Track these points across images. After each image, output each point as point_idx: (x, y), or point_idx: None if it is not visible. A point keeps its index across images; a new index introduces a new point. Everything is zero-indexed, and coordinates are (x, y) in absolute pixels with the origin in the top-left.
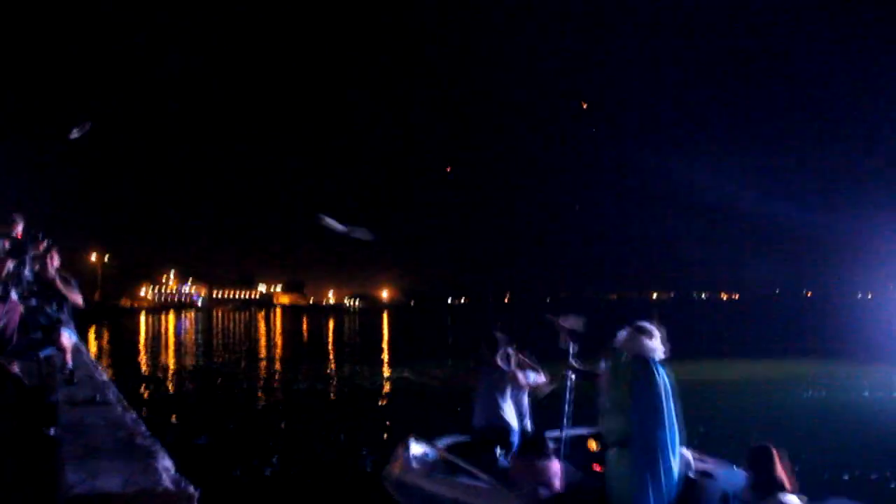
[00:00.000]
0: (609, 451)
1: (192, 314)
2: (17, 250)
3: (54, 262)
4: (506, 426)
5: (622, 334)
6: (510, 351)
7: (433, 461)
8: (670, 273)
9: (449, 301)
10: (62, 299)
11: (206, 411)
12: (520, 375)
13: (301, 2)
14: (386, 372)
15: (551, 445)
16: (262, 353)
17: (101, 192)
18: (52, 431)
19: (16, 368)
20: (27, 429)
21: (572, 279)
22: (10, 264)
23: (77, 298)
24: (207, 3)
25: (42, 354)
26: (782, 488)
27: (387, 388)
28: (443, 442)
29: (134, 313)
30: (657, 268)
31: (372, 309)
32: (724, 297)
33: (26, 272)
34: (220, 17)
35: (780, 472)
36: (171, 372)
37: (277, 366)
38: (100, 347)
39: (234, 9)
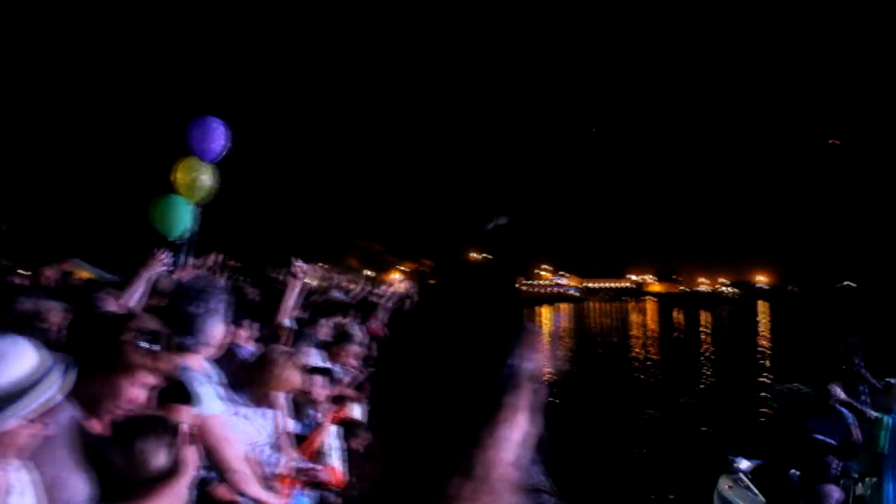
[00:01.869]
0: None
1: (566, 306)
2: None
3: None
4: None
5: None
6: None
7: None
8: None
9: (837, 286)
10: None
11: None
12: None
13: None
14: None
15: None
16: (637, 351)
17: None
18: None
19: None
20: None
21: None
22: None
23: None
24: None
25: None
26: None
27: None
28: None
29: None
30: None
31: (748, 296)
32: None
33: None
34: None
35: None
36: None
37: (653, 371)
38: None
39: None
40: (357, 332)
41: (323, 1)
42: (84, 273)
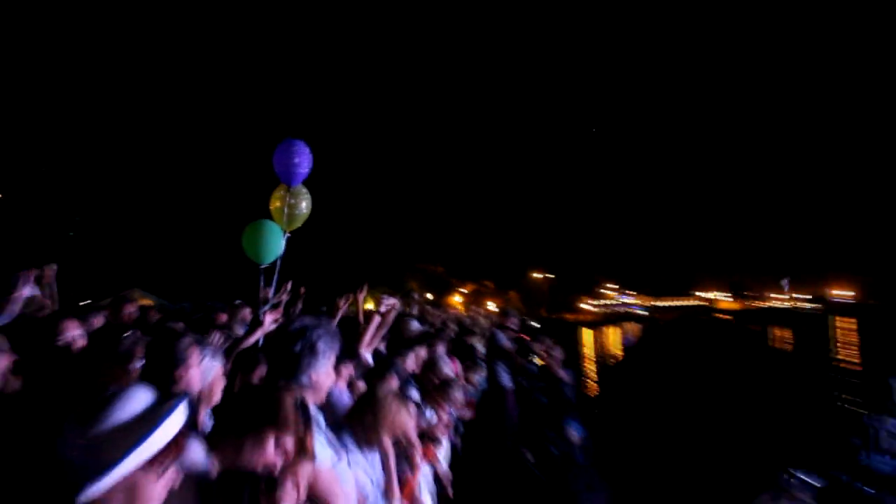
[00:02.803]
0: None
1: (633, 325)
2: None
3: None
4: None
5: None
6: None
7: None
8: None
9: None
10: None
11: None
12: None
13: None
14: None
15: None
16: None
17: (542, 207)
18: None
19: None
20: None
21: None
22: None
23: None
24: None
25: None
26: None
27: None
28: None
29: (575, 328)
30: None
31: (828, 311)
32: None
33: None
34: None
35: None
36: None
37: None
38: None
39: None
40: (447, 366)
41: (371, 39)
42: (146, 301)
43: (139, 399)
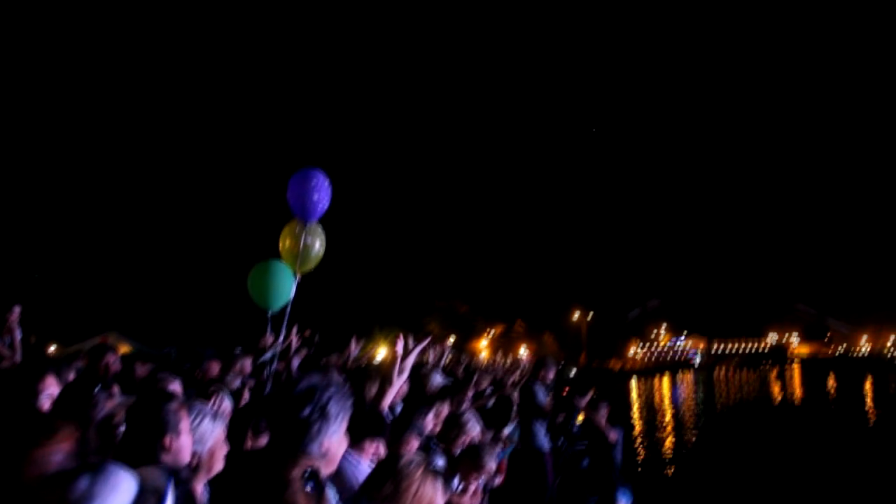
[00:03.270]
0: None
1: (690, 375)
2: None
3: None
4: None
5: None
6: None
7: None
8: None
9: None
10: None
11: None
12: None
13: None
14: None
15: None
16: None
17: (579, 244)
18: None
19: None
20: None
21: None
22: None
23: None
24: None
25: None
26: None
27: None
28: None
29: (624, 377)
30: None
31: None
32: None
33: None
34: None
35: None
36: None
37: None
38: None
39: None
40: (475, 426)
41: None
42: (124, 347)
43: (119, 490)
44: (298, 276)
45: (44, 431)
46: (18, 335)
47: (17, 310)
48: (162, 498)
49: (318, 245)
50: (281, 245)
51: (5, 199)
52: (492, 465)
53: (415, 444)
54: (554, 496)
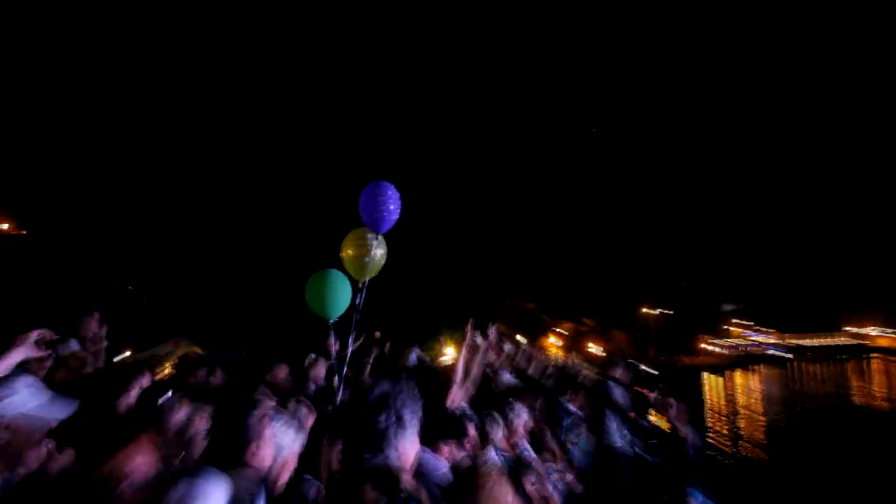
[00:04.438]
0: None
1: (764, 370)
2: None
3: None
4: None
5: None
6: None
7: None
8: None
9: None
10: None
11: None
12: None
13: None
14: None
15: None
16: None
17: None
18: None
19: None
20: None
21: None
22: None
23: None
24: None
25: None
26: None
27: None
28: None
29: (694, 372)
30: None
31: None
32: None
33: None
34: None
35: None
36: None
37: None
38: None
39: None
40: (523, 415)
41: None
42: (196, 350)
43: (216, 494)
44: (363, 284)
45: (122, 438)
46: (104, 342)
47: (97, 316)
48: (254, 502)
49: (379, 253)
50: (343, 253)
51: (82, 207)
52: (564, 467)
53: (490, 451)
54: (625, 495)
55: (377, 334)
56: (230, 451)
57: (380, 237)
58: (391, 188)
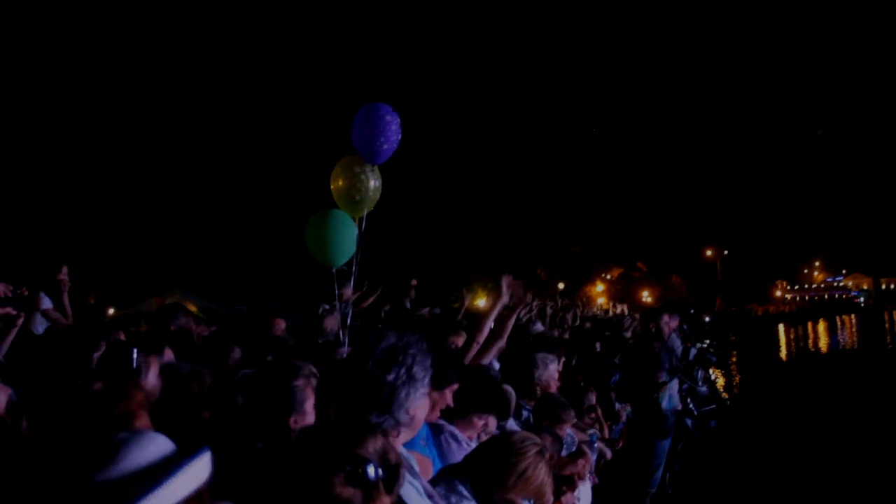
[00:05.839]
0: None
1: (853, 319)
2: None
3: None
4: None
5: None
6: None
7: None
8: None
9: None
10: None
11: None
12: None
13: None
14: None
15: None
16: None
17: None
18: None
19: None
20: None
21: None
22: None
23: None
24: None
25: None
26: None
27: None
28: None
29: (770, 322)
30: None
31: None
32: None
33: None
34: None
35: None
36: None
37: None
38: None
39: None
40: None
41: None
42: (190, 306)
43: (156, 446)
44: (358, 226)
45: (105, 409)
46: (66, 296)
47: (64, 269)
48: (197, 454)
49: (372, 183)
50: (333, 185)
51: (66, 155)
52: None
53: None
54: (677, 460)
55: (414, 282)
56: (268, 422)
57: (375, 168)
58: (388, 110)
